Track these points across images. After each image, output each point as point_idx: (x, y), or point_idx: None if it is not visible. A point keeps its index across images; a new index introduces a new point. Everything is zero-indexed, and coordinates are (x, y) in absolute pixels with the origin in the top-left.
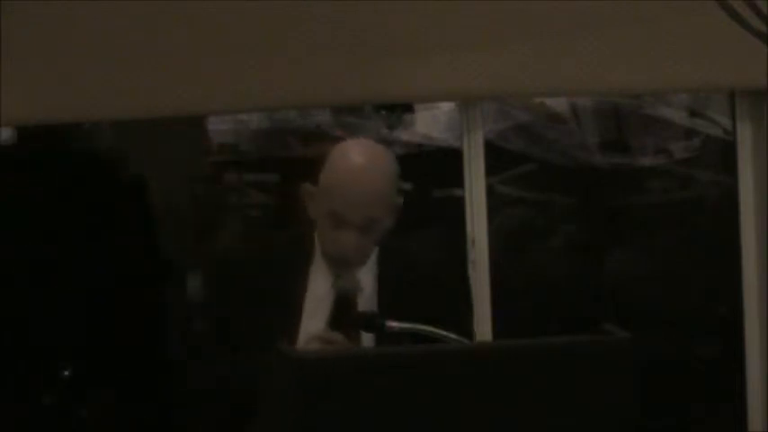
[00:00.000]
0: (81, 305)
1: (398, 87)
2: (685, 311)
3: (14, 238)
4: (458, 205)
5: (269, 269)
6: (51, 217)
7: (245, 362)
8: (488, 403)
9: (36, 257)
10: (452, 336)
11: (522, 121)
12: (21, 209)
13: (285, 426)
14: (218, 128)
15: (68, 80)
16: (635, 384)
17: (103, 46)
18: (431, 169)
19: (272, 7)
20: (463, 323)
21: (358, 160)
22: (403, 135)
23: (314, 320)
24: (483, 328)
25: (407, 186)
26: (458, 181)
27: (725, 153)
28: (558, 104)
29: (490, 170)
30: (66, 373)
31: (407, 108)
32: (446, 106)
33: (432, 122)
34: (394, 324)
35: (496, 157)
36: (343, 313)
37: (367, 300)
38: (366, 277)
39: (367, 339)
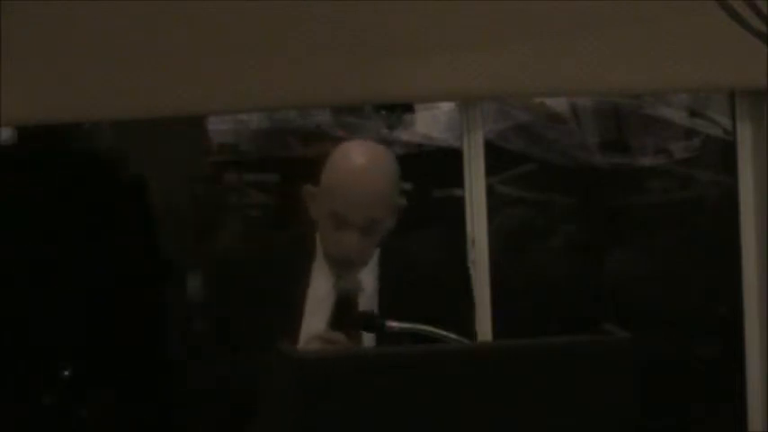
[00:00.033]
0: (81, 305)
1: (398, 87)
2: (685, 311)
3: (14, 238)
4: (458, 205)
5: (269, 269)
6: (51, 217)
7: (245, 362)
8: (488, 403)
9: (36, 257)
10: (452, 336)
11: (522, 121)
12: (21, 209)
13: (285, 426)
14: (218, 128)
15: (68, 80)
16: (635, 384)
17: (103, 46)
18: (431, 169)
19: (272, 7)
20: (465, 323)
21: (359, 161)
22: (403, 135)
23: (315, 321)
24: (483, 328)
25: (407, 186)
26: (458, 181)
27: (725, 153)
28: (558, 104)
29: (490, 170)
30: (66, 373)
31: (407, 108)
32: (446, 106)
33: (432, 122)
34: (394, 324)
35: (496, 157)
36: (344, 314)
37: (368, 300)
38: (367, 278)
39: (367, 339)
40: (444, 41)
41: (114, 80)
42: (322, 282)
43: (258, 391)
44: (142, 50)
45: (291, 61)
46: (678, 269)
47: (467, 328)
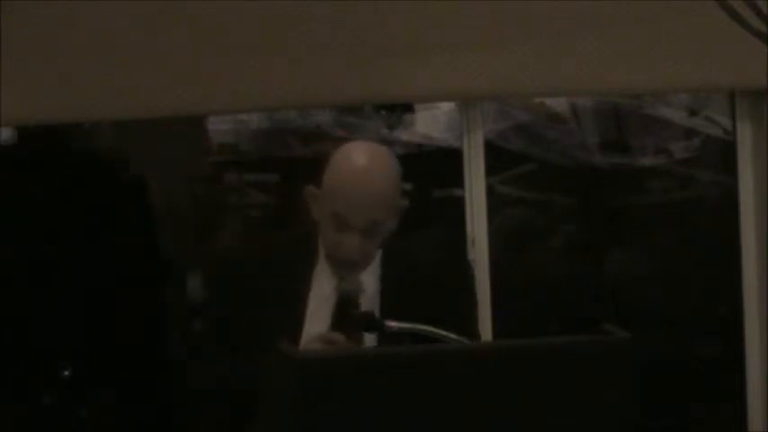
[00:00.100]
0: (81, 305)
1: (398, 87)
2: (685, 311)
3: (14, 238)
4: (458, 205)
5: (269, 269)
6: (51, 217)
7: (245, 362)
8: (488, 403)
9: (36, 257)
10: (452, 336)
11: (522, 121)
12: (21, 209)
13: (285, 426)
14: (218, 128)
15: (68, 80)
16: (635, 384)
17: (103, 46)
18: (431, 169)
19: (272, 7)
20: (468, 324)
21: (361, 163)
22: (403, 135)
23: (317, 322)
24: (483, 328)
25: (408, 186)
26: (458, 181)
27: (725, 153)
28: (558, 104)
29: (490, 170)
30: (66, 373)
31: (407, 108)
32: (446, 106)
33: (432, 122)
34: (393, 324)
35: (496, 157)
36: (346, 315)
37: (370, 301)
38: (369, 279)
39: (368, 340)
40: (444, 41)
41: (114, 80)
42: (324, 283)
43: (258, 391)
44: (142, 50)
45: (291, 61)
46: (678, 269)
47: (469, 328)
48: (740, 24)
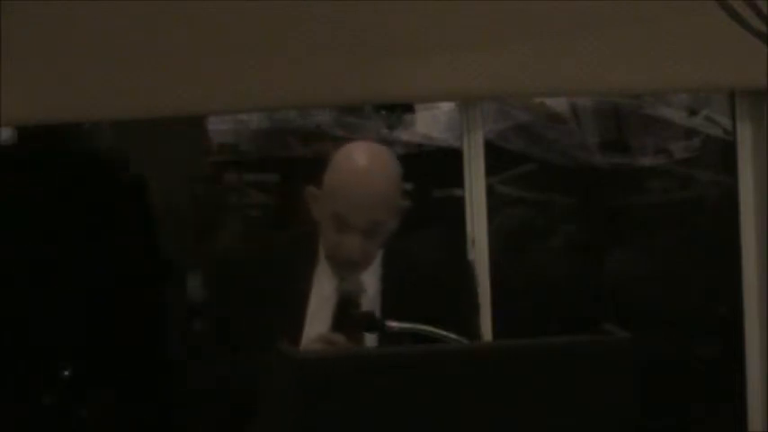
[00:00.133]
0: (81, 305)
1: (398, 87)
2: (685, 311)
3: (14, 238)
4: (458, 205)
5: (269, 269)
6: (51, 217)
7: (245, 362)
8: (488, 403)
9: (36, 257)
10: (452, 336)
11: (522, 121)
12: (21, 209)
13: (285, 426)
14: (218, 128)
15: (68, 80)
16: (635, 384)
17: (103, 46)
18: (431, 169)
19: (272, 7)
20: (468, 324)
21: (362, 163)
22: (403, 135)
23: (318, 323)
24: (483, 328)
25: (408, 186)
26: (458, 181)
27: (725, 153)
28: (558, 104)
29: (490, 170)
30: (67, 373)
31: (407, 108)
32: (446, 106)
33: (432, 122)
34: (394, 324)
35: (496, 157)
36: (347, 315)
37: (371, 302)
38: (370, 279)
39: (369, 341)
40: (444, 41)
41: (114, 80)
42: (325, 284)
43: (258, 391)
44: (142, 50)
45: (291, 61)
46: (678, 269)
47: (470, 328)
48: (740, 24)
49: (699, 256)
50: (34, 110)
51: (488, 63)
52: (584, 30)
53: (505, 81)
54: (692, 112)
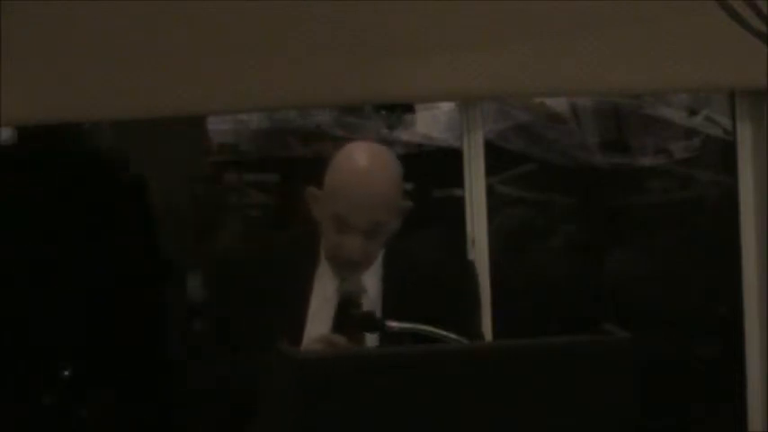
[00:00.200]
0: (81, 305)
1: (398, 87)
2: (685, 311)
3: (14, 238)
4: (458, 205)
5: (269, 269)
6: (51, 217)
7: (245, 362)
8: (488, 403)
9: (36, 257)
10: (452, 336)
11: (522, 121)
12: (21, 209)
13: (285, 426)
14: (218, 128)
15: (68, 80)
16: (635, 384)
17: (103, 46)
18: (431, 169)
19: (272, 7)
20: (469, 324)
21: (362, 164)
22: (403, 135)
23: (319, 323)
24: (483, 328)
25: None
26: (458, 181)
27: (725, 153)
28: (558, 104)
29: (490, 170)
30: (67, 373)
31: (407, 108)
32: (446, 106)
33: (432, 122)
34: (394, 324)
35: (496, 157)
36: (347, 316)
37: (372, 302)
38: (371, 280)
39: (369, 340)
40: (444, 41)
41: (114, 80)
42: (326, 285)
43: (258, 391)
44: (142, 50)
45: (291, 61)
46: (678, 269)
47: (471, 328)
48: (740, 24)
49: (699, 256)
50: (34, 110)
51: (488, 63)
52: (584, 30)
53: (505, 81)
54: (692, 112)
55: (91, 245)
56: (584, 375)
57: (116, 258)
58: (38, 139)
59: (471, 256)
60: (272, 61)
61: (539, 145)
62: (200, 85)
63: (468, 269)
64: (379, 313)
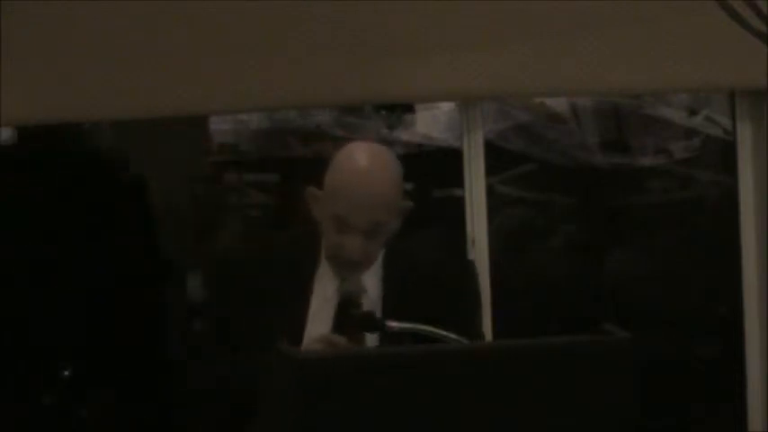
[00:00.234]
0: (81, 305)
1: (398, 87)
2: (685, 311)
3: (14, 238)
4: (458, 205)
5: (269, 269)
6: (51, 217)
7: (245, 362)
8: (488, 403)
9: (36, 257)
10: (452, 336)
11: (522, 121)
12: (21, 209)
13: (285, 426)
14: (219, 128)
15: (68, 80)
16: (635, 384)
17: (103, 46)
18: (431, 169)
19: (272, 7)
20: (470, 324)
21: (362, 164)
22: (403, 135)
23: (319, 324)
24: (483, 328)
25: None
26: (458, 181)
27: (725, 153)
28: (558, 104)
29: (490, 170)
30: (67, 373)
31: (407, 108)
32: (446, 106)
33: (432, 122)
34: (394, 324)
35: (496, 157)
36: (347, 316)
37: (372, 303)
38: (371, 280)
39: (369, 340)
40: (444, 41)
41: (114, 80)
42: (326, 285)
43: (258, 391)
44: (142, 50)
45: (291, 61)
46: (678, 269)
47: (471, 328)
48: (740, 24)
49: (699, 256)
50: (34, 110)
51: (488, 63)
52: (584, 30)
53: (505, 81)
54: (692, 112)
55: (91, 245)
56: (584, 375)
57: (116, 258)
58: (38, 139)
59: (471, 256)
60: (272, 61)
61: (539, 145)
62: (201, 85)
63: (468, 269)
64: (379, 313)
